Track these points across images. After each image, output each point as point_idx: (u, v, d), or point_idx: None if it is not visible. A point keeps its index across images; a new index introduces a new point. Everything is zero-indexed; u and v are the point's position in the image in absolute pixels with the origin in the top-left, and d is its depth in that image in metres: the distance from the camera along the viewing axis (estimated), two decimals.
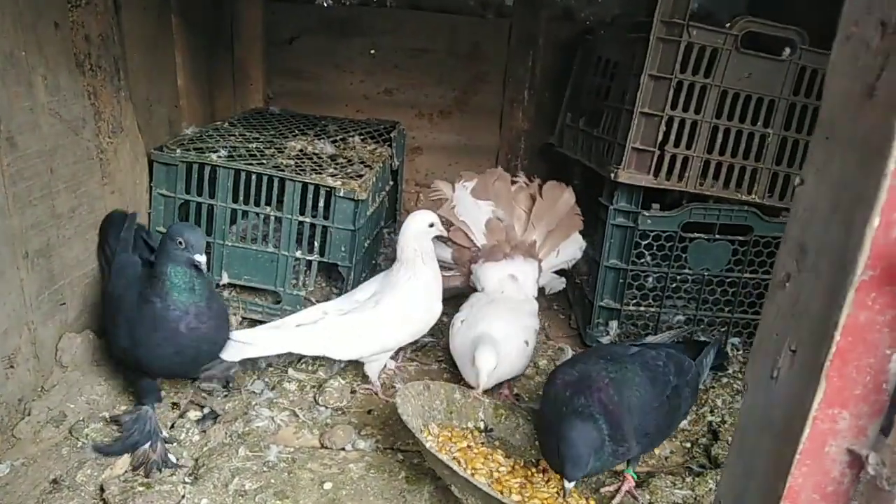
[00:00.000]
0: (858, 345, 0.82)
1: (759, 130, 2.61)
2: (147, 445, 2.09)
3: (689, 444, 2.45)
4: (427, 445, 1.86)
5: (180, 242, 2.01)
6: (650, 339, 2.41)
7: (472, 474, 1.94)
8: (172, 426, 2.26)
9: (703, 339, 2.85)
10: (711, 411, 2.60)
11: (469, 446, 2.12)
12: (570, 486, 1.82)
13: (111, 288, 2.28)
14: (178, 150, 2.79)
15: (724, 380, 2.77)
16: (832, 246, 0.85)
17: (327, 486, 2.07)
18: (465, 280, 2.84)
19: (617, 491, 2.06)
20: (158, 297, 2.05)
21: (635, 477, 2.14)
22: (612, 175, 2.63)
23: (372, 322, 2.41)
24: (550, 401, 1.98)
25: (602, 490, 2.07)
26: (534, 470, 2.09)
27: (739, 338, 2.97)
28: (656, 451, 2.30)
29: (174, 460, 2.11)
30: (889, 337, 0.81)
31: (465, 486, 1.79)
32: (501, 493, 1.92)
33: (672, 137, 2.59)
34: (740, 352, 2.98)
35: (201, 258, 2.03)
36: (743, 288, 2.85)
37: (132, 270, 2.28)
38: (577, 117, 3.30)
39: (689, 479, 2.20)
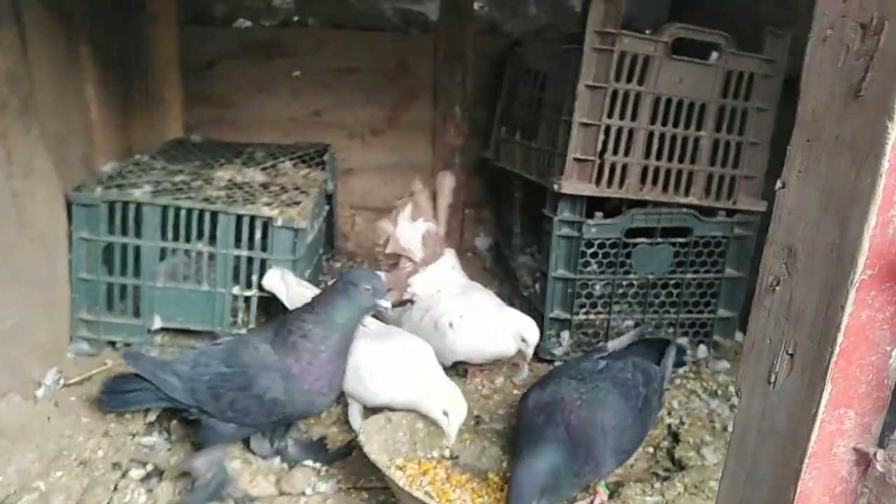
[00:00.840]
0: (861, 344, 0.81)
1: (692, 134, 2.67)
2: (225, 491, 2.04)
3: (651, 449, 2.45)
4: (401, 484, 1.78)
5: (367, 289, 2.02)
6: (610, 344, 2.41)
7: None
8: (115, 488, 2.09)
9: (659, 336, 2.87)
10: (669, 413, 2.62)
11: (448, 477, 2.05)
12: None
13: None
14: (98, 189, 2.62)
15: (678, 381, 2.80)
16: (825, 247, 0.84)
17: None
18: (397, 296, 2.88)
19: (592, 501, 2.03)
20: (318, 331, 2.02)
21: (607, 490, 2.12)
22: (556, 186, 2.63)
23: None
24: (524, 426, 1.96)
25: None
26: None
27: (687, 337, 3.02)
28: None
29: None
30: (889, 333, 0.81)
31: None
32: None
33: (611, 146, 2.62)
34: (689, 351, 3.03)
35: (385, 303, 2.08)
36: (686, 288, 2.90)
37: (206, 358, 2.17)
38: (512, 130, 3.30)
39: (657, 485, 2.20)
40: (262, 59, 3.76)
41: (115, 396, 2.25)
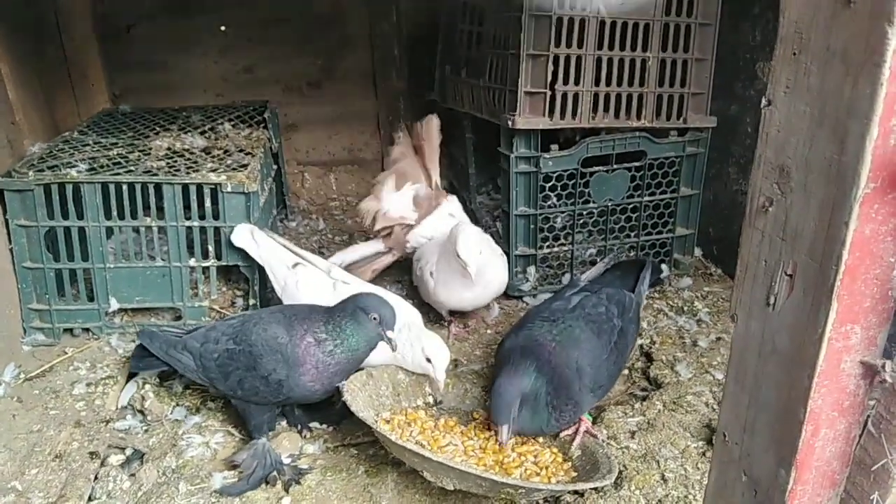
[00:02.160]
0: (866, 258, 0.81)
1: (639, 56, 2.64)
2: (274, 473, 2.02)
3: (626, 371, 2.51)
4: (393, 438, 1.77)
5: (375, 318, 1.98)
6: (584, 276, 2.42)
7: (443, 454, 1.89)
8: (96, 477, 2.03)
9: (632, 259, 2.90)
10: (640, 334, 2.67)
11: (435, 424, 2.06)
12: (502, 434, 1.84)
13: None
14: (31, 173, 2.45)
15: (645, 301, 2.85)
16: (822, 163, 0.82)
17: (285, 501, 1.95)
18: (401, 253, 2.90)
19: (576, 433, 2.07)
20: (329, 344, 1.99)
21: (590, 417, 2.16)
22: (510, 123, 2.58)
23: None
24: (499, 363, 1.97)
25: (562, 435, 2.08)
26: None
27: (647, 258, 3.06)
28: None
29: (305, 467, 2.06)
30: (893, 245, 0.81)
31: (438, 469, 1.72)
32: (477, 465, 1.88)
33: (560, 76, 2.57)
34: (665, 269, 3.08)
35: (392, 335, 2.01)
36: (644, 211, 2.93)
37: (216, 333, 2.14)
38: (456, 69, 3.21)
39: (637, 405, 2.26)
40: (183, 16, 3.55)
41: (141, 359, 2.27)
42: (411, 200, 2.86)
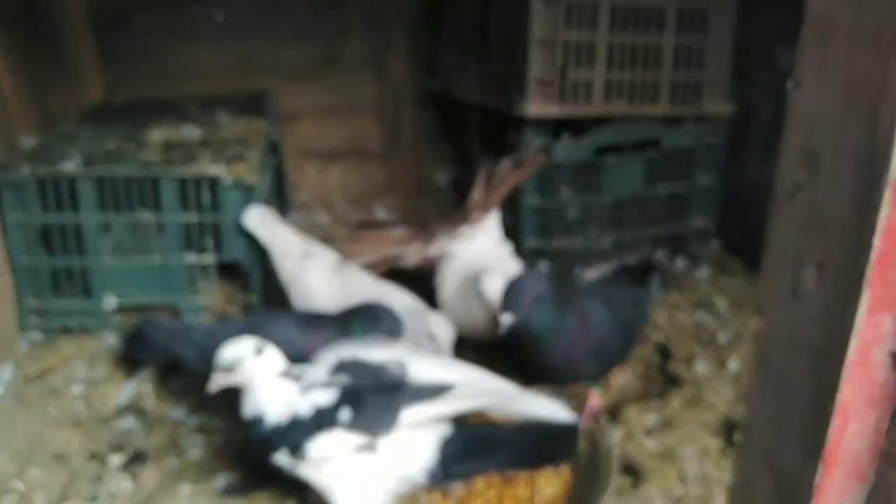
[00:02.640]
0: None
1: (654, 40, 2.59)
2: None
3: (642, 368, 2.45)
4: None
5: (386, 328, 2.01)
6: (589, 273, 2.40)
7: None
8: (98, 478, 2.00)
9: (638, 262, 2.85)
10: (656, 328, 2.63)
11: None
12: (503, 320, 1.82)
13: None
14: (26, 166, 2.41)
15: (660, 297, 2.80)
16: (852, 147, 0.79)
17: (290, 502, 1.91)
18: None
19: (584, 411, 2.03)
20: None
21: (599, 389, 2.12)
22: (521, 111, 2.53)
23: None
24: None
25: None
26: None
27: (665, 250, 3.02)
28: (614, 382, 2.31)
29: None
30: None
31: None
32: None
33: (572, 62, 2.52)
34: (668, 266, 3.04)
35: None
36: (659, 202, 2.87)
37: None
38: (462, 56, 3.15)
39: (654, 403, 2.21)
40: (178, 4, 3.47)
41: (134, 344, 2.28)
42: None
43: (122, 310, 2.60)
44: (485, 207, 2.56)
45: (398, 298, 2.32)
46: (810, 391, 0.90)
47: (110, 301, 2.55)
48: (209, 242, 2.54)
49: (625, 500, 1.83)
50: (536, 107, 2.54)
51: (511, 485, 1.78)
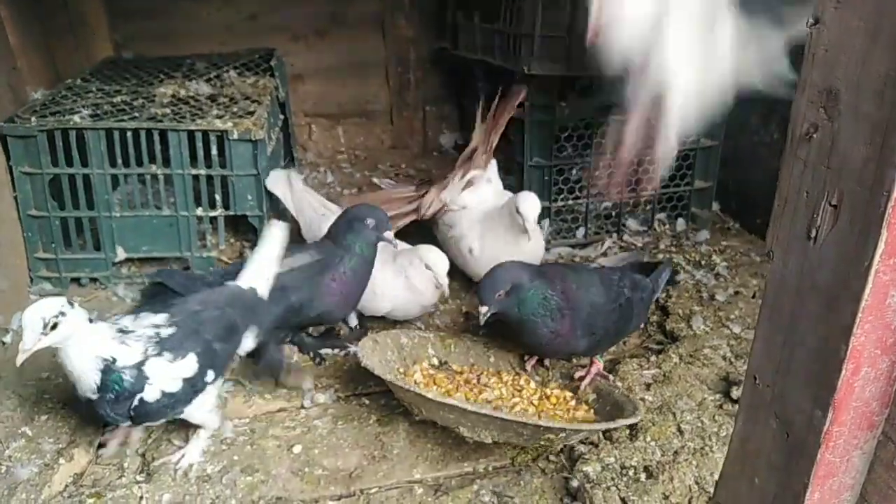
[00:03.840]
0: None
1: None
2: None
3: (642, 325, 2.46)
4: (430, 395, 1.76)
5: (370, 222, 2.13)
6: (601, 260, 2.40)
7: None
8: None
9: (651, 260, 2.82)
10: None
11: (460, 380, 2.05)
12: (481, 315, 1.87)
13: None
14: (34, 119, 2.40)
15: (661, 256, 2.80)
16: (876, 81, 0.76)
17: (297, 449, 1.93)
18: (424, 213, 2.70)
19: (587, 374, 2.05)
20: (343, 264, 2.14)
21: (601, 359, 2.13)
22: (525, 69, 2.50)
23: None
24: None
25: (575, 376, 2.06)
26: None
27: (665, 212, 3.01)
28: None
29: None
30: None
31: (478, 422, 1.72)
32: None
33: (579, 18, 2.47)
34: (667, 226, 3.03)
35: (390, 235, 2.17)
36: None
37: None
38: (469, 14, 3.11)
39: (653, 359, 2.23)
40: None
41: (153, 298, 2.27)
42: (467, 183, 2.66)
43: (131, 262, 2.62)
44: (485, 149, 2.65)
45: (407, 252, 2.35)
46: (821, 337, 0.88)
47: (119, 253, 2.55)
48: (217, 196, 2.54)
49: (622, 450, 1.83)
50: (542, 65, 2.50)
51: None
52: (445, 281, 2.26)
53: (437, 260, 2.26)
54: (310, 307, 2.12)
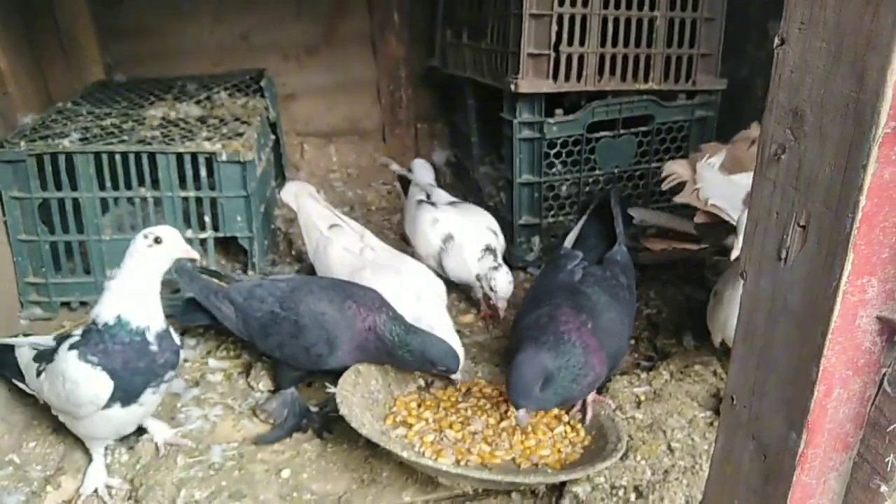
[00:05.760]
0: (884, 205, 0.75)
1: (646, 15, 2.55)
2: (304, 422, 2.07)
3: (632, 341, 2.45)
4: (405, 455, 1.75)
5: (442, 369, 1.99)
6: (567, 241, 2.36)
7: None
8: None
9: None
10: (646, 303, 2.62)
11: (447, 406, 2.03)
12: (520, 415, 1.74)
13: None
14: (23, 143, 2.40)
15: (651, 272, 2.79)
16: (839, 102, 0.76)
17: (285, 473, 1.92)
18: None
19: (584, 405, 2.02)
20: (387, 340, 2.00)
21: None
22: (512, 87, 2.51)
23: None
24: (522, 334, 1.91)
25: (571, 413, 2.04)
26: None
27: (655, 228, 2.99)
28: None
29: (335, 415, 1.91)
30: None
31: (455, 478, 1.73)
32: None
33: (565, 36, 2.49)
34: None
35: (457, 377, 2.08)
36: (651, 178, 2.85)
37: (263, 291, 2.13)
38: (457, 33, 3.13)
39: (643, 375, 2.21)
40: None
41: (187, 312, 2.26)
42: (742, 195, 2.19)
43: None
44: None
45: (412, 269, 2.34)
46: (793, 358, 0.88)
47: (110, 276, 2.55)
48: (207, 218, 2.54)
49: (612, 470, 1.81)
50: (528, 82, 2.51)
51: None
52: (458, 376, 2.09)
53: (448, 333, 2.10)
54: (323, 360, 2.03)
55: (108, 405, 1.75)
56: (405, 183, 2.89)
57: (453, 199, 2.76)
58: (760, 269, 0.92)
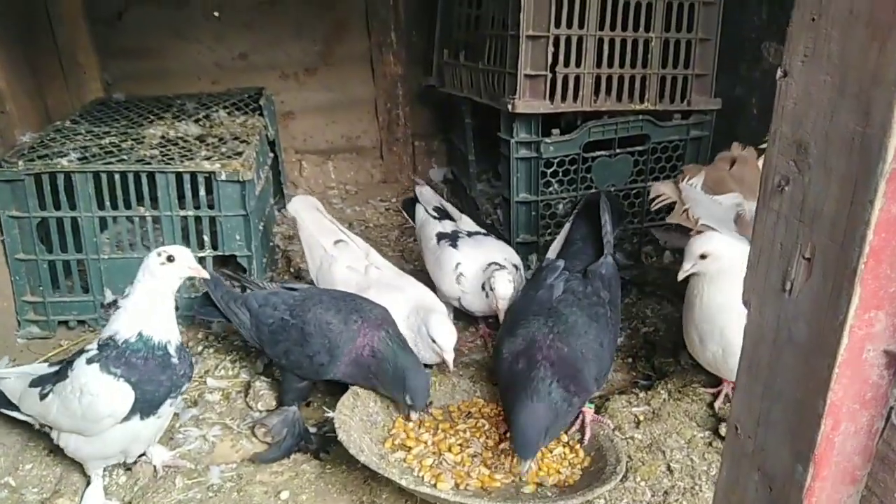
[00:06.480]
0: (892, 239, 0.75)
1: (642, 36, 2.58)
2: (302, 443, 2.07)
3: (630, 360, 2.46)
4: (404, 483, 1.74)
5: (409, 402, 1.99)
6: (550, 251, 2.36)
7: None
8: None
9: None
10: (643, 322, 2.62)
11: (445, 428, 2.02)
12: (525, 466, 1.77)
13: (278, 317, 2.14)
14: (21, 162, 2.40)
15: (648, 289, 2.79)
16: (844, 137, 0.76)
17: (284, 495, 1.91)
18: None
19: (583, 425, 2.02)
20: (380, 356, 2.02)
21: (591, 406, 2.11)
22: (510, 107, 2.52)
23: None
24: (507, 377, 1.92)
25: (569, 433, 2.03)
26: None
27: (651, 245, 3.01)
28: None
29: (333, 435, 1.91)
30: None
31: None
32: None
33: (561, 58, 2.51)
34: (654, 259, 3.03)
35: (414, 416, 2.03)
36: (647, 196, 2.86)
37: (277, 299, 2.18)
38: (454, 53, 3.15)
39: (641, 395, 2.21)
40: (175, 2, 3.47)
41: (203, 306, 2.30)
42: (732, 215, 2.25)
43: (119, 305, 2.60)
44: None
45: (415, 292, 2.32)
46: (799, 390, 0.87)
47: (108, 295, 2.54)
48: (206, 237, 2.53)
49: (612, 492, 1.81)
50: (525, 103, 2.53)
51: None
52: (451, 357, 2.09)
53: (444, 336, 2.09)
54: (325, 369, 2.06)
55: (127, 417, 1.77)
56: (409, 204, 2.82)
57: (476, 228, 2.61)
58: (764, 299, 0.92)
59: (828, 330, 0.81)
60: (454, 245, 2.47)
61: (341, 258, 2.44)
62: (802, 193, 0.84)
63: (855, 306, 0.77)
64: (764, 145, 2.38)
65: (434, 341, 2.08)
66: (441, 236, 2.54)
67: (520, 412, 1.77)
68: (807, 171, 0.83)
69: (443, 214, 2.63)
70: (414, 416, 2.00)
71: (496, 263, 2.37)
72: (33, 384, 1.89)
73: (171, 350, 1.81)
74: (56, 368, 1.90)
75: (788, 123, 0.85)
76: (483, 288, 2.36)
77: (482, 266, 2.37)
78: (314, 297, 2.15)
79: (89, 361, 1.77)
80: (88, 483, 1.91)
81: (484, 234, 2.55)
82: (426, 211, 2.65)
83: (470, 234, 2.53)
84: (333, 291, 2.27)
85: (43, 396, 1.85)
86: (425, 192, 2.77)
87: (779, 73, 0.86)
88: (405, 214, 2.89)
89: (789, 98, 0.85)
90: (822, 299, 0.82)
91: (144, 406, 1.78)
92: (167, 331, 1.82)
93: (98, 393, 1.74)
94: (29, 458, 2.04)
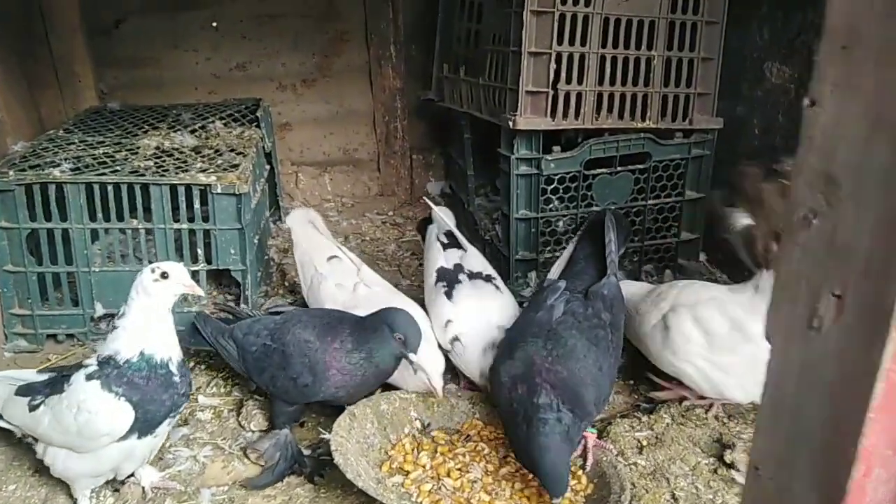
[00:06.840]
0: None
1: (644, 55, 2.56)
2: (295, 465, 2.01)
3: (632, 381, 2.41)
4: None
5: (400, 338, 1.94)
6: (552, 272, 2.32)
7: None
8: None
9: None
10: None
11: (444, 451, 1.97)
12: (558, 501, 1.74)
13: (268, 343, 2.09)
14: (12, 172, 2.35)
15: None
16: (880, 171, 0.73)
17: None
18: None
19: (584, 450, 1.97)
20: (355, 356, 1.97)
21: (594, 431, 2.07)
22: (510, 123, 2.49)
23: None
24: (505, 401, 1.88)
25: (572, 457, 1.99)
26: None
27: (651, 264, 2.98)
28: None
29: (328, 458, 1.89)
30: None
31: None
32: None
33: (563, 75, 2.49)
34: (654, 277, 3.00)
35: (414, 357, 1.95)
36: (648, 214, 2.84)
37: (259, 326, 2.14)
38: (454, 67, 3.12)
39: (644, 419, 2.17)
40: (174, 11, 3.44)
41: (193, 335, 2.25)
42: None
43: (110, 317, 2.54)
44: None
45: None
46: (828, 433, 0.83)
47: (98, 309, 2.49)
48: (200, 250, 2.49)
49: None
50: (526, 119, 2.50)
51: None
52: (439, 384, 2.01)
53: (429, 361, 2.00)
54: (311, 390, 2.01)
55: (125, 436, 1.72)
56: (423, 226, 2.70)
57: (480, 268, 2.41)
58: (790, 336, 0.88)
59: (861, 372, 0.77)
60: (449, 294, 2.29)
61: (331, 276, 2.38)
62: (832, 228, 0.80)
63: (892, 348, 0.73)
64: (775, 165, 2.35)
65: (419, 366, 1.98)
66: (441, 275, 2.37)
67: (541, 452, 1.72)
68: (837, 205, 0.79)
69: (452, 241, 2.50)
70: (413, 357, 1.93)
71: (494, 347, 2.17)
72: (20, 392, 1.83)
73: (173, 368, 1.77)
74: (46, 378, 1.84)
75: (816, 155, 0.82)
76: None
77: (479, 341, 2.19)
78: (294, 318, 2.10)
79: (89, 378, 1.72)
80: None
81: (485, 279, 2.36)
82: (436, 235, 2.55)
83: (471, 277, 2.34)
84: (315, 310, 2.23)
85: (33, 408, 1.79)
86: (438, 214, 2.59)
87: (806, 101, 0.83)
88: (420, 237, 2.78)
89: (817, 129, 0.81)
90: (853, 339, 0.78)
91: (143, 426, 1.73)
92: (168, 347, 1.77)
93: (97, 411, 1.69)
94: (13, 478, 1.98)
